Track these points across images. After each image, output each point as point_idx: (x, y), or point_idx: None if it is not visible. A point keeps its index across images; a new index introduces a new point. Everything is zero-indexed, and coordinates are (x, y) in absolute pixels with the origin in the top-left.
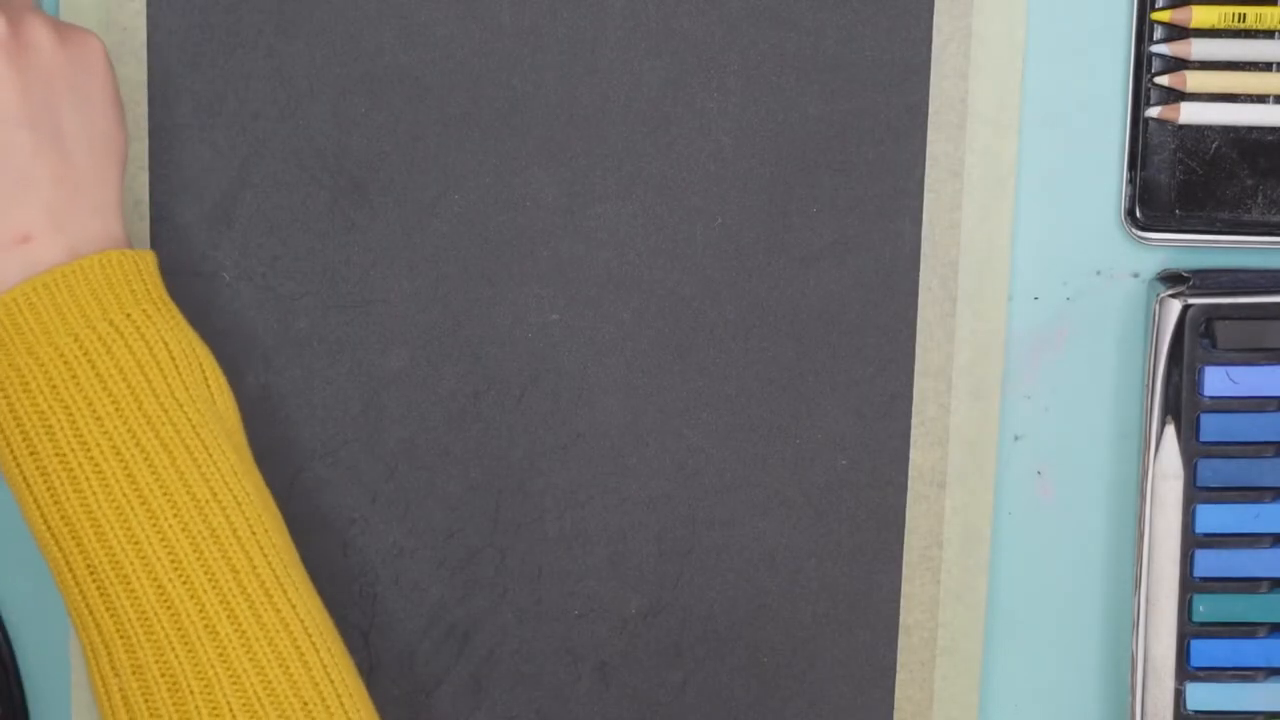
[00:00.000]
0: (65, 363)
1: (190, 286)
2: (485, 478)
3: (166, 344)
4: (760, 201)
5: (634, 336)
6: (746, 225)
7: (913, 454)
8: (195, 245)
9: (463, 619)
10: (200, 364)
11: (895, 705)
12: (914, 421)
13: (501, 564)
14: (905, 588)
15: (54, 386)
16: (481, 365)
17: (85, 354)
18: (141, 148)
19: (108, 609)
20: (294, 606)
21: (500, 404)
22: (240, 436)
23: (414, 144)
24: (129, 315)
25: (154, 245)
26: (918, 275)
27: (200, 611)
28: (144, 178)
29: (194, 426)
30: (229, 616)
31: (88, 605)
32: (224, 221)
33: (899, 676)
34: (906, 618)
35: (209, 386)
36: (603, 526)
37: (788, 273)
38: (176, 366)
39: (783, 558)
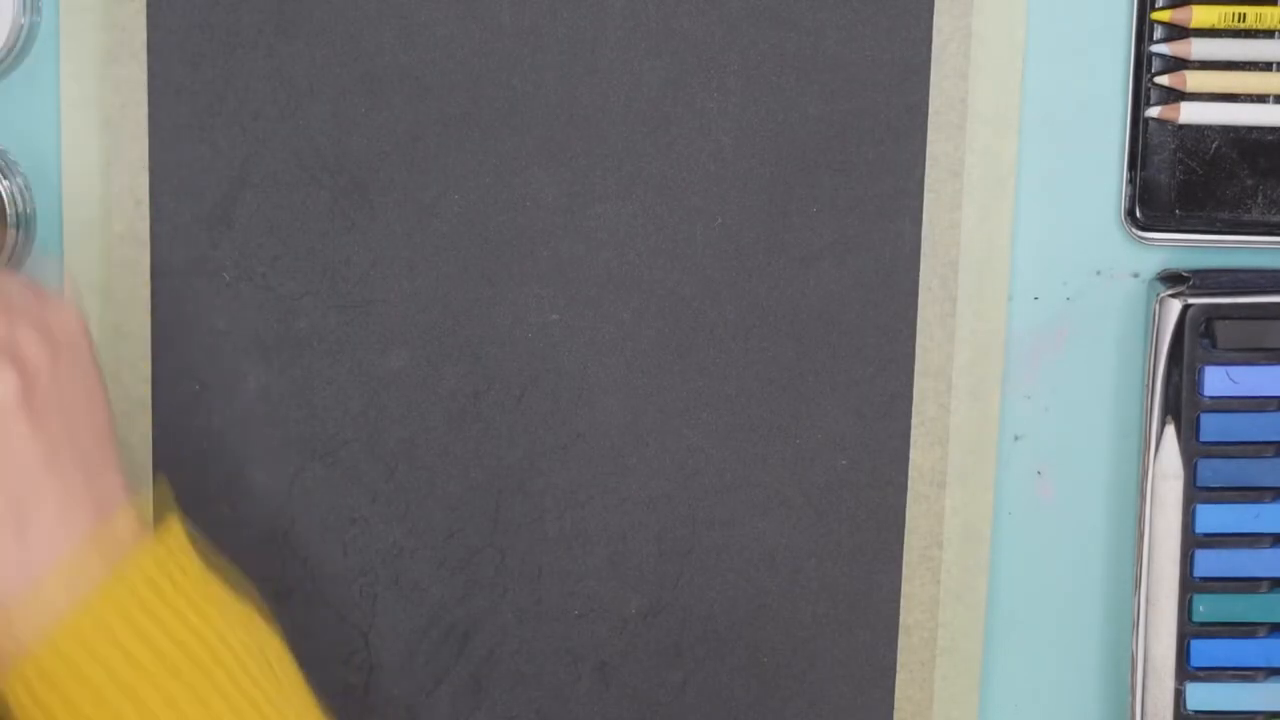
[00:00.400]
0: (133, 687)
1: (190, 286)
2: (485, 478)
3: (224, 637)
4: (760, 201)
5: (634, 336)
6: (746, 225)
7: (913, 454)
8: (195, 245)
9: (463, 619)
10: (261, 643)
11: (895, 705)
12: (914, 421)
13: (501, 564)
14: (905, 587)
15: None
16: (481, 365)
17: (147, 674)
18: (141, 148)
19: None
20: None
21: (500, 404)
22: (310, 698)
23: (414, 144)
24: (175, 625)
25: (154, 245)
26: (918, 275)
27: None
28: (144, 178)
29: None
30: None
31: None
32: (224, 221)
33: (899, 676)
34: (906, 617)
35: (270, 661)
36: (603, 526)
37: (788, 273)
38: (243, 654)
39: (783, 558)
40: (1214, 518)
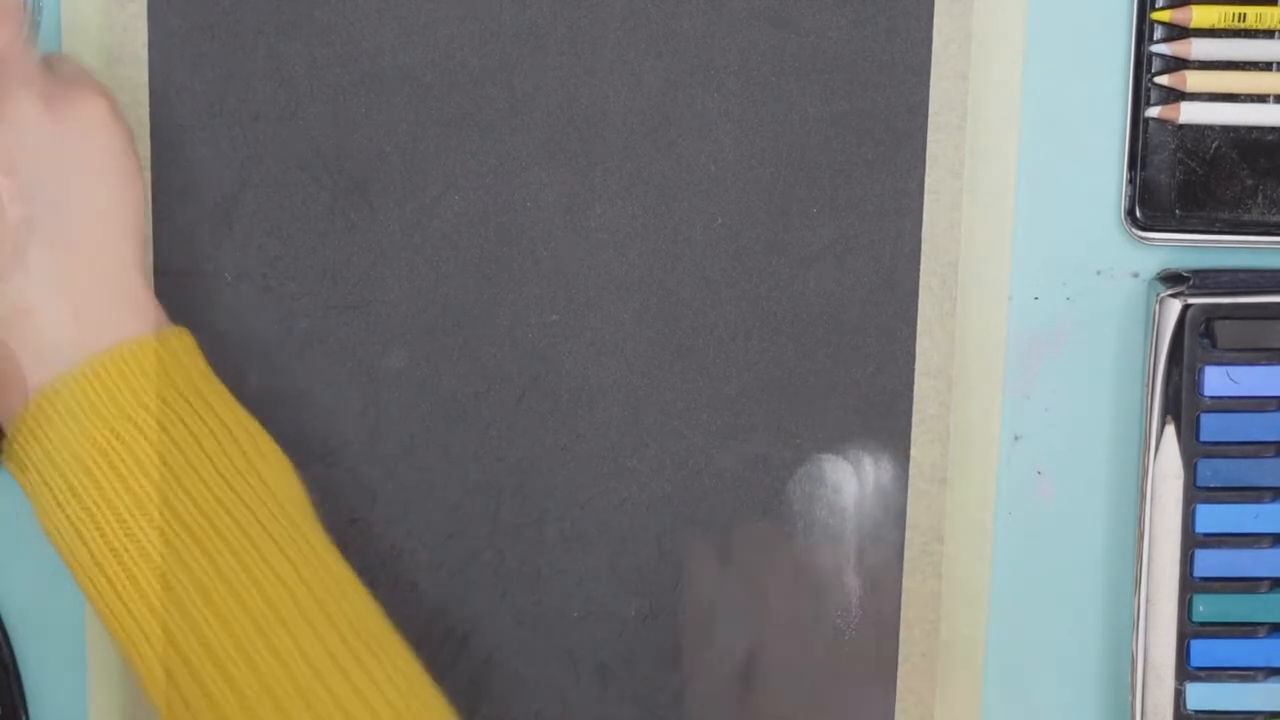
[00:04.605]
0: (107, 458)
1: (191, 287)
2: (485, 478)
3: (214, 431)
4: (760, 201)
5: (634, 336)
6: (746, 225)
7: (913, 451)
8: (196, 246)
9: (462, 621)
10: (260, 446)
11: (898, 696)
12: (914, 420)
13: (501, 566)
14: (906, 582)
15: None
16: (481, 365)
17: (129, 449)
18: (143, 149)
19: (204, 695)
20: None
21: (500, 404)
22: (310, 509)
23: (414, 144)
24: (155, 408)
25: (155, 245)
26: (918, 275)
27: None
28: (145, 178)
29: (267, 507)
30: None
31: (186, 693)
32: (225, 222)
33: (901, 668)
34: (908, 612)
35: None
36: (603, 528)
37: (788, 273)
38: (227, 449)
39: (783, 557)
40: (1214, 518)
